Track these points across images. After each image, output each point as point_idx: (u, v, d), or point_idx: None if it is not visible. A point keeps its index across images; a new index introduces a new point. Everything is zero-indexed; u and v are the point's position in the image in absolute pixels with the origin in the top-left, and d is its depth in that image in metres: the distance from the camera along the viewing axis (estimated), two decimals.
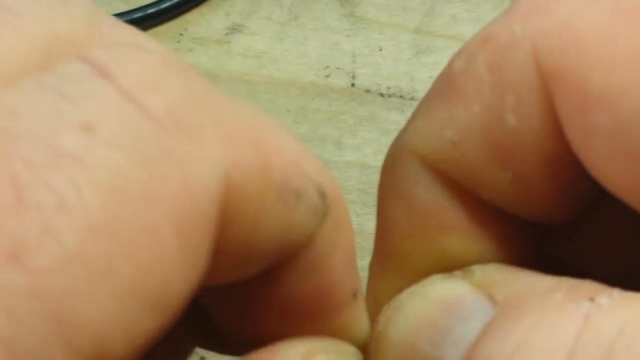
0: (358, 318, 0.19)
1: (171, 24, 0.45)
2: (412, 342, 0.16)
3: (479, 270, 0.17)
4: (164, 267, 0.13)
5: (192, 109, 0.14)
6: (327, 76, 0.44)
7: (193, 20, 0.45)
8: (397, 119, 0.42)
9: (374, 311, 0.19)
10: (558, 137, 0.15)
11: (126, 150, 0.13)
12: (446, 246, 0.17)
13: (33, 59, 0.14)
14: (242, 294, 0.18)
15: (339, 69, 0.44)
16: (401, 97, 0.43)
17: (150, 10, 0.44)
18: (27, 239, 0.12)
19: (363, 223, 0.38)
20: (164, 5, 0.44)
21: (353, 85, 0.43)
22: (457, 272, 0.17)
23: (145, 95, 0.13)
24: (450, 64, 0.17)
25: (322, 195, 0.17)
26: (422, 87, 0.43)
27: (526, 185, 0.16)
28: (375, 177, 0.41)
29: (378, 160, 0.43)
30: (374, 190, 0.43)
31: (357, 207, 0.39)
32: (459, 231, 0.17)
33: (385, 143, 0.42)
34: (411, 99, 0.43)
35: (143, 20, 0.44)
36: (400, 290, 0.18)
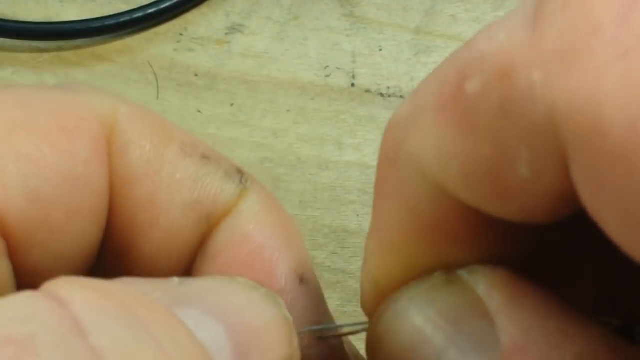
0: (307, 305, 0.19)
1: (171, 24, 0.45)
2: (408, 356, 0.17)
3: (483, 281, 0.17)
4: (37, 131, 0.15)
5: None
6: (327, 76, 0.44)
7: (193, 20, 0.45)
8: None
9: (375, 293, 0.18)
10: (569, 185, 0.14)
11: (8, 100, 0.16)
12: (445, 249, 0.17)
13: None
14: (187, 269, 0.18)
15: (339, 69, 0.44)
16: (401, 97, 0.43)
17: (150, 10, 0.44)
18: None
19: (363, 223, 0.38)
20: (164, 5, 0.44)
21: (353, 85, 0.43)
22: (462, 273, 0.17)
23: None
24: (462, 79, 0.15)
25: (237, 168, 0.18)
26: None
27: (529, 214, 0.16)
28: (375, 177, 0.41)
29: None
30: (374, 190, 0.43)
31: (357, 207, 0.39)
32: (459, 238, 0.17)
33: None
34: None
35: (143, 20, 0.44)
36: (399, 277, 0.18)
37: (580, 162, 0.13)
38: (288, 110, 0.42)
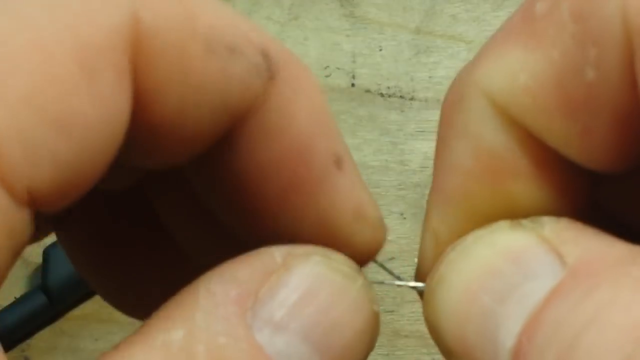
0: (349, 189, 0.18)
1: None
2: (475, 290, 0.16)
3: (549, 224, 0.17)
4: (60, 85, 0.14)
5: None
6: (327, 76, 0.44)
7: None
8: (397, 119, 0.42)
9: (435, 251, 0.18)
10: (634, 96, 0.15)
11: None
12: (510, 189, 0.17)
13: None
14: (219, 172, 0.18)
15: (339, 69, 0.44)
16: (401, 97, 0.43)
17: None
18: None
19: None
20: None
21: (353, 85, 0.43)
22: (526, 222, 0.17)
23: None
24: (531, 6, 0.16)
25: (265, 55, 0.17)
26: (422, 87, 0.43)
27: (594, 138, 0.16)
28: (375, 177, 0.41)
29: (378, 160, 0.43)
30: (374, 190, 0.43)
31: None
32: (523, 175, 0.17)
33: (385, 143, 0.43)
34: (411, 99, 0.43)
35: None
36: (462, 231, 0.18)
37: None
38: None
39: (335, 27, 0.45)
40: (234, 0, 0.46)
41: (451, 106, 0.18)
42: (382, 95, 0.43)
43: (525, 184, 0.17)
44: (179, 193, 0.20)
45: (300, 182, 0.17)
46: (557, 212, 0.17)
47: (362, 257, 0.18)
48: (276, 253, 0.17)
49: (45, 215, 0.15)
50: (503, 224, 0.17)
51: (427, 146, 0.41)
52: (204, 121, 0.16)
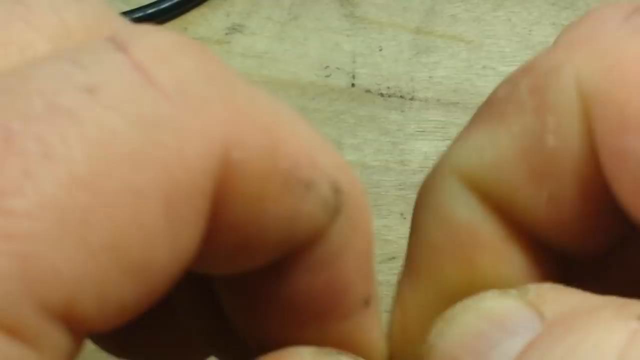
0: (369, 328, 0.18)
1: (171, 24, 0.45)
2: (457, 353, 0.16)
3: (533, 289, 0.17)
4: (146, 232, 0.13)
5: (199, 83, 0.14)
6: (327, 76, 0.44)
7: (193, 20, 0.45)
8: (397, 119, 0.42)
9: (403, 325, 0.18)
10: (594, 160, 0.15)
11: (123, 111, 0.13)
12: (478, 263, 0.17)
13: (43, 49, 0.14)
14: (253, 288, 0.17)
15: (339, 69, 0.44)
16: (401, 97, 0.43)
17: (150, 10, 0.44)
18: (7, 183, 0.12)
19: None
20: (164, 5, 0.44)
21: (353, 85, 0.43)
22: (512, 291, 0.17)
23: (154, 66, 0.13)
24: (495, 92, 0.17)
25: (336, 190, 0.16)
26: (422, 87, 0.43)
27: (560, 206, 0.16)
28: (375, 177, 0.41)
29: (378, 160, 0.43)
30: (374, 190, 0.43)
31: None
32: (491, 249, 0.17)
33: (385, 143, 0.42)
34: (411, 99, 0.43)
35: (143, 21, 0.44)
36: (431, 305, 0.18)
37: (602, 112, 0.14)
38: None
39: (335, 27, 0.45)
40: (233, 0, 0.46)
41: (424, 189, 0.19)
42: (382, 95, 0.43)
43: (491, 257, 0.17)
44: (202, 291, 0.20)
45: (329, 315, 0.17)
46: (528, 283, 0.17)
47: None
48: (305, 353, 0.17)
49: None
50: (491, 293, 0.17)
51: (427, 146, 0.41)
52: (266, 252, 0.16)
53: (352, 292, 0.17)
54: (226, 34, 0.45)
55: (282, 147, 0.15)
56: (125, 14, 0.44)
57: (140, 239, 0.13)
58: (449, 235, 0.18)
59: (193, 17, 0.45)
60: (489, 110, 0.17)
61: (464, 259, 0.18)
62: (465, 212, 0.17)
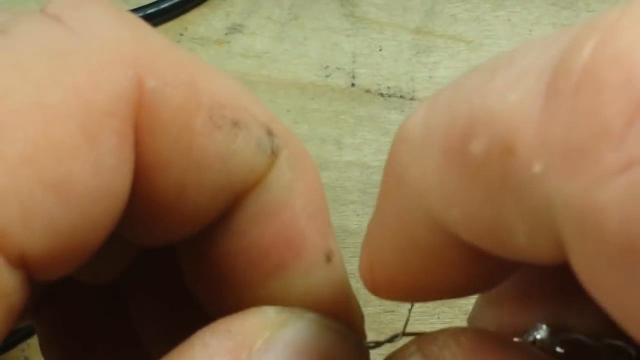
0: (333, 284, 0.18)
1: (171, 24, 0.45)
2: None
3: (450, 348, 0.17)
4: (62, 146, 0.13)
5: (110, 24, 0.15)
6: (327, 76, 0.44)
7: (193, 20, 0.45)
8: (397, 119, 0.42)
9: (371, 278, 0.18)
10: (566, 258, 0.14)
11: (33, 45, 0.14)
12: (434, 273, 0.17)
13: None
14: (207, 250, 0.17)
15: (339, 69, 0.44)
16: (401, 97, 0.43)
17: (150, 10, 0.44)
18: None
19: (363, 223, 0.38)
20: (164, 5, 0.44)
21: (353, 85, 0.43)
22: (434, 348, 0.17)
23: (66, 11, 0.14)
24: (468, 134, 0.15)
25: (269, 132, 0.16)
26: (422, 87, 0.43)
27: (527, 260, 0.15)
28: (375, 177, 0.41)
29: (378, 160, 0.43)
30: (374, 190, 0.43)
31: (357, 207, 0.39)
32: (447, 264, 0.17)
33: (385, 143, 0.42)
34: (411, 99, 0.43)
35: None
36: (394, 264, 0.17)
37: (577, 257, 0.13)
38: (288, 110, 0.42)
39: (335, 27, 0.45)
40: (233, 0, 0.46)
41: (390, 179, 0.18)
42: (382, 95, 0.43)
43: (452, 273, 0.17)
44: (154, 296, 0.20)
45: (288, 268, 0.17)
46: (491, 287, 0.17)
47: None
48: (270, 311, 0.17)
49: (40, 283, 0.14)
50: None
51: None
52: (205, 198, 0.16)
53: (309, 246, 0.17)
54: (226, 34, 0.45)
55: (201, 84, 0.15)
56: None
57: (56, 153, 0.13)
58: (410, 245, 0.17)
59: (193, 17, 0.45)
60: (460, 155, 0.15)
61: (422, 267, 0.17)
62: (425, 231, 0.16)
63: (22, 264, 0.13)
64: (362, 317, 0.20)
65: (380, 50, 0.44)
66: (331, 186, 0.40)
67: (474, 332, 0.17)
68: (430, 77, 0.43)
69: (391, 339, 0.20)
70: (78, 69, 0.14)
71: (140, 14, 0.44)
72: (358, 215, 0.39)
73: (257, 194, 0.16)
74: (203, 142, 0.15)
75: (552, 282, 0.18)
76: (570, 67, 0.12)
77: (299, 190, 0.17)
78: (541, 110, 0.13)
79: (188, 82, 0.15)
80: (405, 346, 0.17)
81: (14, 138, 0.13)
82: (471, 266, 0.16)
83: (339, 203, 0.39)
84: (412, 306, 0.20)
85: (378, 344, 0.20)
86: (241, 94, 0.16)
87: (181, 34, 0.45)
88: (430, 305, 0.37)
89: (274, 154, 0.16)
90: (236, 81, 0.16)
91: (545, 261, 0.14)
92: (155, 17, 0.44)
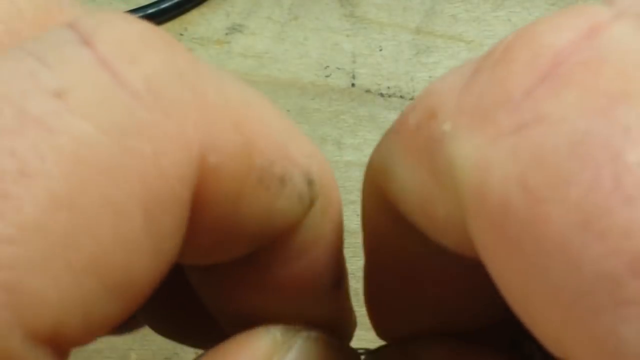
0: (339, 306, 0.18)
1: (171, 24, 0.45)
2: None
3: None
4: (127, 247, 0.12)
5: (171, 83, 0.13)
6: (327, 76, 0.44)
7: (193, 20, 0.45)
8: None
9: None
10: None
11: (94, 118, 0.12)
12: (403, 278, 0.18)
13: None
14: (228, 275, 0.17)
15: (339, 69, 0.44)
16: (401, 97, 0.43)
17: (150, 10, 0.44)
18: None
19: None
20: (164, 5, 0.44)
21: (353, 85, 0.43)
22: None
23: (123, 64, 0.13)
24: (407, 111, 0.16)
25: (310, 181, 0.16)
26: (422, 87, 0.43)
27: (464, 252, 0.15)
28: None
29: None
30: None
31: (357, 207, 0.39)
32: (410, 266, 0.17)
33: None
34: (411, 99, 0.43)
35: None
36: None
37: (468, 217, 0.13)
38: (288, 110, 0.42)
39: (335, 27, 0.45)
40: (233, 0, 0.46)
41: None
42: (382, 95, 0.43)
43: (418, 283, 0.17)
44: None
45: (302, 298, 0.18)
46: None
47: None
48: (276, 333, 0.17)
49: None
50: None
51: None
52: (240, 247, 0.16)
53: (325, 277, 0.17)
54: (226, 34, 0.45)
55: (256, 144, 0.15)
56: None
57: (122, 255, 0.12)
58: (382, 248, 0.18)
59: (193, 17, 0.45)
60: (408, 133, 0.15)
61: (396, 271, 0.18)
62: (392, 231, 0.17)
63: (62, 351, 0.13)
64: (355, 324, 0.20)
65: (381, 50, 0.44)
66: None
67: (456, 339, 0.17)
68: (430, 77, 0.43)
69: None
70: (144, 152, 0.12)
71: (140, 14, 0.44)
72: (358, 215, 0.39)
73: (289, 238, 0.17)
74: (250, 202, 0.15)
75: None
76: (495, 49, 0.13)
77: (326, 230, 0.17)
78: (465, 82, 0.14)
79: (243, 144, 0.14)
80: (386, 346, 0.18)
81: (83, 245, 0.12)
82: (447, 270, 0.17)
83: None
84: None
85: (370, 352, 0.20)
86: (287, 134, 0.16)
87: (181, 34, 0.45)
88: None
89: (312, 203, 0.16)
90: (281, 114, 0.16)
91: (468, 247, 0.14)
92: (155, 17, 0.44)
